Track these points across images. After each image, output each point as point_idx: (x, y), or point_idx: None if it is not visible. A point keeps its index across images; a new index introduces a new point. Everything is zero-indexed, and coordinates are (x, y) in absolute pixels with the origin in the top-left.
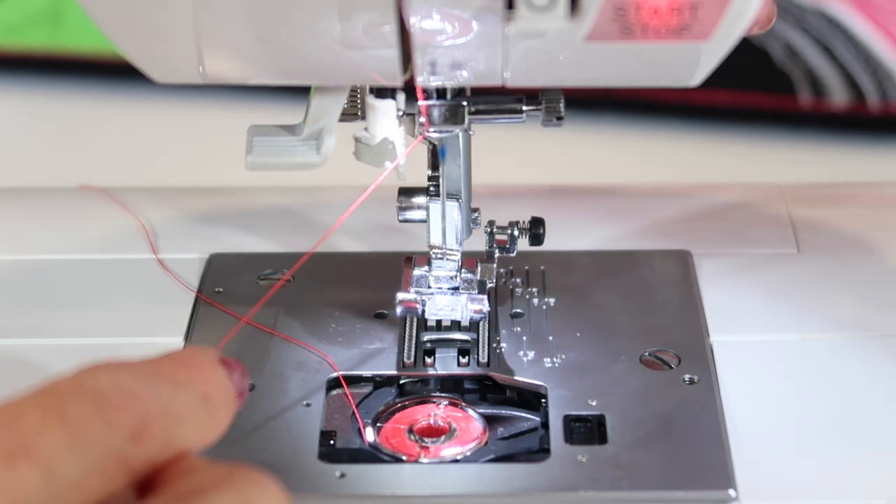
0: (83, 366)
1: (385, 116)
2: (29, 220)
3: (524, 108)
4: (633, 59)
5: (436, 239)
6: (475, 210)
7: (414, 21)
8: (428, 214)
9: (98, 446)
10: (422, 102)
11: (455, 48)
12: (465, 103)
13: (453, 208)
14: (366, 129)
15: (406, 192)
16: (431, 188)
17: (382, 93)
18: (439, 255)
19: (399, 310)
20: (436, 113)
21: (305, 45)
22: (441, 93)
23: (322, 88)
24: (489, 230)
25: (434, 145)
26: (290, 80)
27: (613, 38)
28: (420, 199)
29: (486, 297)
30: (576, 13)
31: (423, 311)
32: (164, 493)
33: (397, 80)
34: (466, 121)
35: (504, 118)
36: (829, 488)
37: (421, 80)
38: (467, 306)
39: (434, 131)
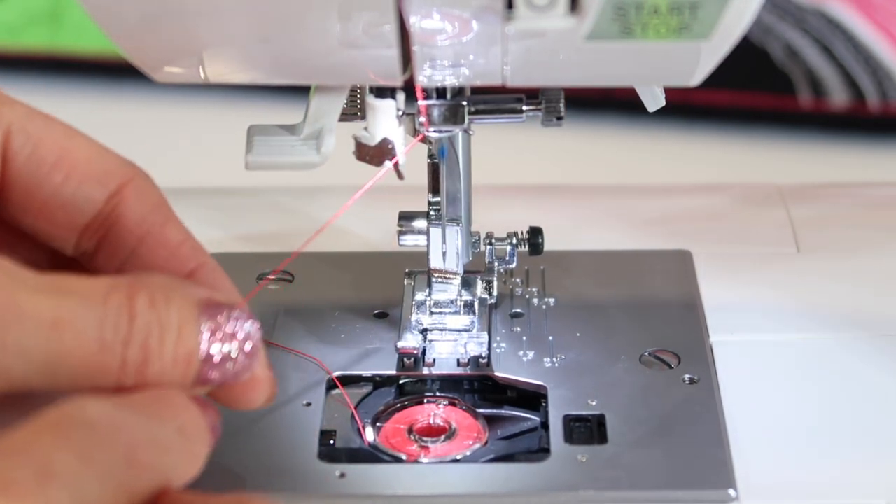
0: (64, 399)
1: (385, 116)
2: None
3: (524, 107)
4: (633, 59)
5: (436, 263)
6: (475, 234)
7: (414, 20)
8: (428, 239)
9: (105, 471)
10: (421, 102)
11: (455, 48)
12: (464, 103)
13: (454, 232)
14: (365, 128)
15: (406, 217)
16: (432, 212)
17: (382, 92)
18: (440, 280)
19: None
20: (435, 113)
21: (305, 45)
22: (441, 92)
23: (322, 88)
24: (489, 242)
25: (436, 166)
26: (290, 80)
27: (613, 37)
28: (420, 224)
29: (486, 338)
30: (576, 13)
31: (423, 357)
32: None
33: (397, 80)
34: (466, 120)
35: (504, 118)
36: (829, 488)
37: (421, 80)
38: (468, 349)
39: (434, 131)
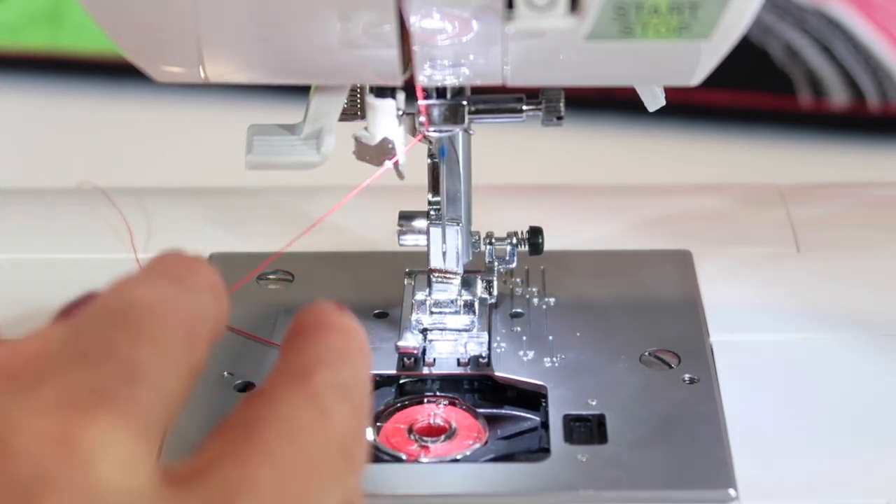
0: (112, 284)
1: (385, 116)
2: (29, 220)
3: (524, 107)
4: (633, 59)
5: (436, 262)
6: (475, 234)
7: (414, 20)
8: (428, 239)
9: (174, 355)
10: (422, 102)
11: (455, 47)
12: (464, 103)
13: (454, 232)
14: (366, 128)
15: (406, 217)
16: (432, 212)
17: (382, 92)
18: (440, 279)
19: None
20: (436, 112)
21: (305, 45)
22: (441, 92)
23: (322, 88)
24: (489, 241)
25: (436, 165)
26: (290, 80)
27: (613, 37)
28: (420, 224)
29: (486, 337)
30: (576, 12)
31: (424, 357)
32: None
33: (397, 80)
34: (466, 120)
35: (504, 118)
36: (829, 488)
37: (421, 80)
38: (468, 349)
39: (434, 130)
